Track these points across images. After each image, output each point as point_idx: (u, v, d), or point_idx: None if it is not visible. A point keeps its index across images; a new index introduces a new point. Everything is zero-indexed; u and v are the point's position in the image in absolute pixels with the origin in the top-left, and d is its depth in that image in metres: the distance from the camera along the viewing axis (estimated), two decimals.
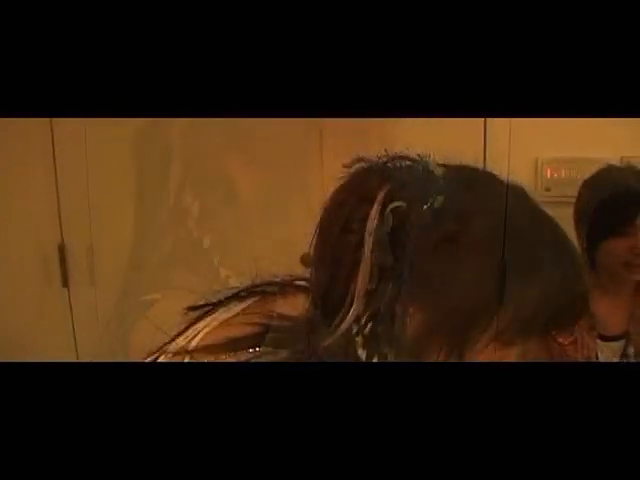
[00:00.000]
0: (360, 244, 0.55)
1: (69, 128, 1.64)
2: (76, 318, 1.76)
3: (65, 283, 1.74)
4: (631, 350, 1.39)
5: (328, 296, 0.57)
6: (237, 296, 0.71)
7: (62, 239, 1.72)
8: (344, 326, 0.55)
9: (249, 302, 0.70)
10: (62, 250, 1.72)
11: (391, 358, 0.56)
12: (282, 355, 0.57)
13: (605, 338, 1.40)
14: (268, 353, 0.58)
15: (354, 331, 0.56)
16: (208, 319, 0.69)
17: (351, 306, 0.55)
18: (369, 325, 0.56)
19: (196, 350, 0.63)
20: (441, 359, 0.59)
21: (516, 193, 0.63)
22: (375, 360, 0.56)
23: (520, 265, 0.59)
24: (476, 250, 0.58)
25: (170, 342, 0.68)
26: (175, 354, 0.65)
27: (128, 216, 1.71)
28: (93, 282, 1.73)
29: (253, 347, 0.59)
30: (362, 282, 0.55)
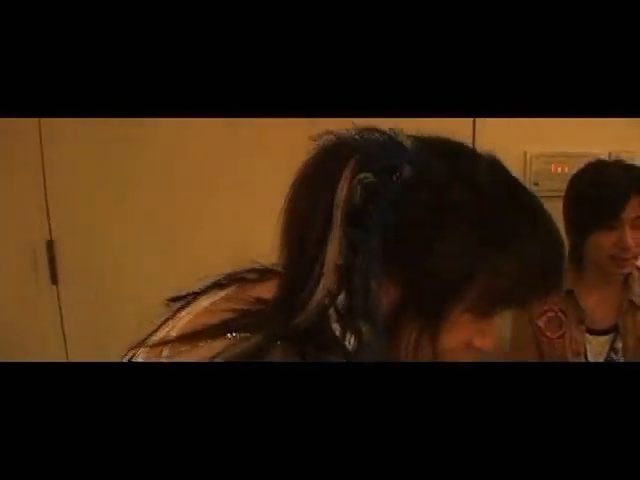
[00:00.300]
0: (329, 217, 0.55)
1: (57, 127, 1.64)
2: (65, 316, 1.75)
3: (54, 280, 1.73)
4: (619, 344, 1.40)
5: (297, 272, 0.57)
6: (217, 284, 0.71)
7: (50, 236, 1.71)
8: (314, 300, 0.55)
9: (229, 290, 0.70)
10: (50, 247, 1.71)
11: (365, 332, 0.56)
12: (257, 339, 0.56)
13: (593, 332, 1.41)
14: (244, 338, 0.58)
15: (327, 303, 0.55)
16: (190, 308, 0.69)
17: (319, 280, 0.55)
18: (342, 300, 0.56)
19: (174, 340, 0.63)
20: (415, 332, 0.58)
21: (491, 165, 0.62)
22: (349, 334, 0.56)
23: (495, 236, 0.58)
24: (450, 221, 0.57)
25: (152, 334, 0.68)
26: (154, 345, 0.64)
27: (116, 213, 1.71)
28: (82, 280, 1.72)
29: (230, 333, 0.59)
30: (331, 255, 0.54)
